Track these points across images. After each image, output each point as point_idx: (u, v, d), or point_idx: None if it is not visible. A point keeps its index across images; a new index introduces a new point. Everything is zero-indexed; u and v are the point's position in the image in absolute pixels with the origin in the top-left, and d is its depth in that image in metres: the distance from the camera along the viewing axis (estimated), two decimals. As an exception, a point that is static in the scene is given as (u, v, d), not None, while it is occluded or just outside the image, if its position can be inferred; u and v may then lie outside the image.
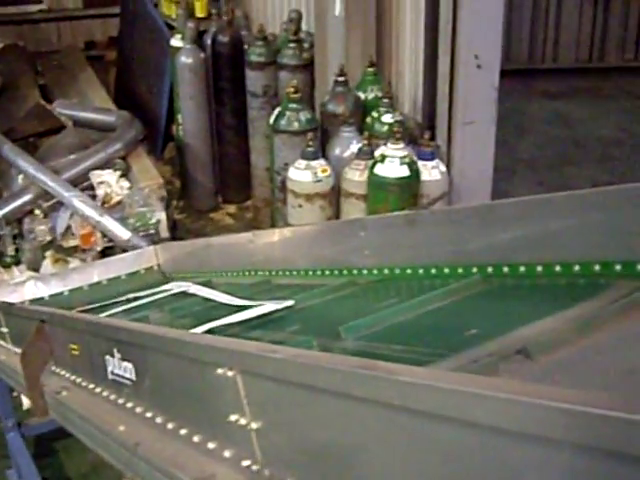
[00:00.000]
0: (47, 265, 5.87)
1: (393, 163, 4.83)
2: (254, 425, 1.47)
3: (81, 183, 6.23)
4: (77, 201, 5.86)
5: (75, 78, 8.45)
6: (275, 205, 5.85)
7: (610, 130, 8.97)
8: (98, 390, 2.38)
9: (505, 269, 2.33)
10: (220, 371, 1.53)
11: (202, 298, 3.27)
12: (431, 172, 5.03)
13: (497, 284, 2.34)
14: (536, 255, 2.23)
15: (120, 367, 2.16)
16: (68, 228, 6.03)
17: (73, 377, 2.63)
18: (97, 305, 3.68)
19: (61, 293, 4.34)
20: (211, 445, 1.66)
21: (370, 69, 5.74)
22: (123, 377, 2.15)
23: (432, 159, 5.07)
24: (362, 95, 5.73)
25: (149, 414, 2.00)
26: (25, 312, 3.23)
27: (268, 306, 2.65)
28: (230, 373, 1.50)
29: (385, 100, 5.44)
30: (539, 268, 2.23)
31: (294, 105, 5.63)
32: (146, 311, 3.28)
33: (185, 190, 7.58)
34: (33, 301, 4.28)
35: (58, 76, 8.57)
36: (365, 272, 2.92)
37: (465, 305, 2.26)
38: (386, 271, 2.83)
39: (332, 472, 1.31)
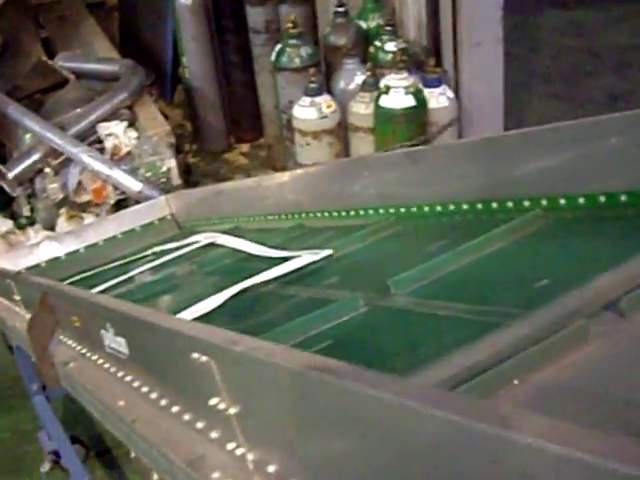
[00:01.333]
0: (62, 223, 5.84)
1: (398, 93, 4.73)
2: (232, 410, 1.43)
3: (89, 137, 6.16)
4: (85, 156, 5.80)
5: (77, 29, 8.33)
6: (284, 144, 5.76)
7: (626, 36, 8.73)
8: (100, 362, 2.36)
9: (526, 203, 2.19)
10: (195, 355, 1.49)
11: (232, 250, 3.13)
12: (438, 99, 4.93)
13: (556, 220, 2.06)
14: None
15: (114, 341, 2.14)
16: (80, 184, 5.98)
17: (79, 348, 2.61)
18: (125, 261, 3.70)
19: (77, 250, 4.33)
20: (199, 425, 1.62)
21: (370, -4, 5.60)
22: (119, 351, 2.13)
23: (438, 86, 4.96)
24: (364, 24, 5.60)
25: (145, 389, 1.97)
26: (29, 281, 3.20)
27: (306, 257, 2.49)
28: (204, 358, 1.45)
29: (387, 28, 5.32)
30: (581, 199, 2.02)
31: (294, 41, 5.51)
32: (176, 267, 3.26)
33: (197, 133, 7.50)
34: (49, 261, 4.27)
35: (60, 28, 8.45)
36: (381, 211, 2.76)
37: (526, 247, 2.00)
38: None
39: (315, 455, 1.26)
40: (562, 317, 1.38)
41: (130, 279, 3.26)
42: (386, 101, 4.77)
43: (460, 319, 1.62)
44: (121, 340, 2.08)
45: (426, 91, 4.89)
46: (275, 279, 2.41)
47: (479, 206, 2.31)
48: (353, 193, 2.90)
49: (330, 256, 2.47)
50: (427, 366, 1.38)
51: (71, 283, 3.49)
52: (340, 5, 5.48)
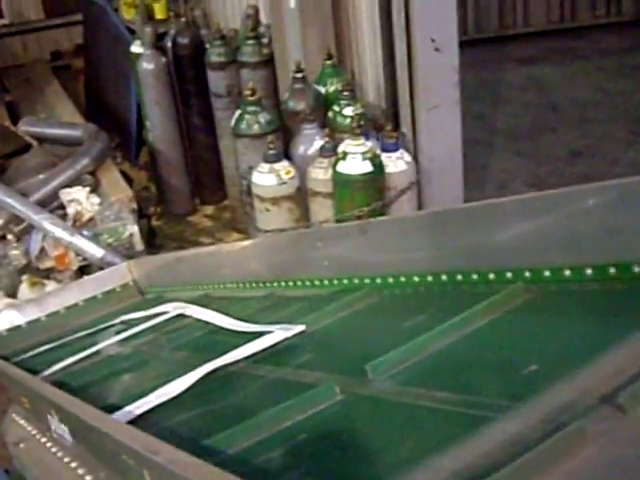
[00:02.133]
0: (24, 289, 5.81)
1: (355, 159, 4.76)
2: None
3: (52, 203, 6.17)
4: (47, 223, 5.80)
5: (42, 92, 8.39)
6: (245, 209, 5.78)
7: (586, 91, 8.87)
8: (48, 445, 2.36)
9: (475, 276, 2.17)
10: (125, 457, 1.50)
11: (202, 322, 2.98)
12: (396, 163, 4.97)
13: (539, 294, 1.94)
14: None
15: (59, 427, 2.14)
16: (42, 250, 5.97)
17: (29, 428, 2.61)
18: (91, 331, 3.55)
19: (38, 319, 4.30)
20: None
21: (328, 62, 5.65)
22: (63, 437, 2.14)
23: (396, 150, 5.00)
24: (323, 89, 5.64)
25: (88, 477, 1.98)
26: None
27: (278, 334, 2.36)
28: (134, 463, 1.46)
29: (345, 92, 5.36)
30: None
31: (253, 107, 5.54)
32: (144, 340, 3.12)
33: (161, 195, 7.52)
34: (10, 330, 4.25)
35: (25, 91, 8.51)
36: (356, 280, 2.63)
37: (511, 325, 1.87)
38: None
39: None
40: (555, 411, 1.29)
41: (97, 352, 3.13)
42: (343, 167, 4.80)
43: (444, 411, 1.52)
44: (65, 428, 2.09)
45: (384, 155, 4.93)
46: (247, 358, 2.30)
47: (458, 277, 2.20)
48: (319, 261, 2.82)
49: (303, 332, 2.35)
50: (410, 471, 1.31)
51: (34, 355, 3.42)
52: (298, 70, 5.53)
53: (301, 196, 5.18)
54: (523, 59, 9.90)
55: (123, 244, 6.01)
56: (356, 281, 2.62)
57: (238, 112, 5.67)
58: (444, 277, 2.23)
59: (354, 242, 2.63)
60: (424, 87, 5.21)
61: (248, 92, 5.55)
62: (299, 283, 2.94)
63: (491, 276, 2.08)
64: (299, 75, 5.54)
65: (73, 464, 2.11)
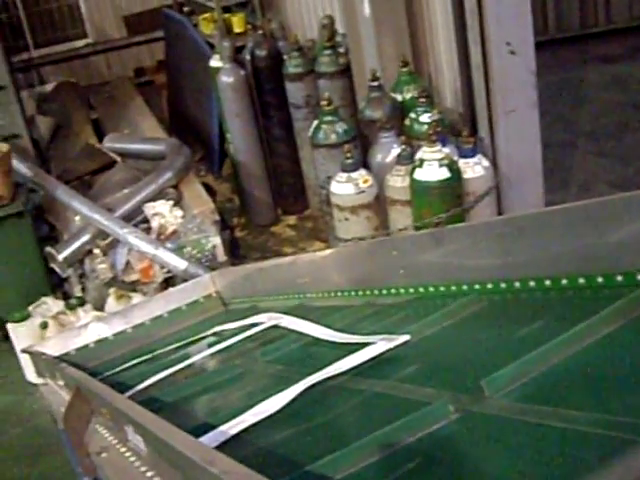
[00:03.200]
0: (111, 302, 5.94)
1: (432, 166, 4.74)
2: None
3: (136, 217, 6.30)
4: (132, 237, 5.92)
5: (126, 108, 8.56)
6: (325, 218, 5.80)
7: (672, 89, 8.70)
8: (127, 454, 2.40)
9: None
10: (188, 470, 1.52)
11: (297, 333, 2.85)
12: (474, 169, 4.93)
13: None
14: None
15: (135, 438, 2.18)
16: (128, 263, 6.10)
17: (110, 438, 2.66)
18: (180, 344, 3.54)
19: (124, 331, 4.39)
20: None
21: (404, 69, 5.65)
22: (138, 447, 2.17)
23: (473, 155, 4.96)
24: (399, 97, 5.65)
25: (159, 480, 2.01)
26: (65, 372, 3.27)
27: (380, 345, 2.20)
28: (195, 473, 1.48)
29: (422, 99, 5.34)
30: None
31: (329, 117, 5.57)
32: (238, 353, 3.00)
33: (244, 206, 7.61)
34: (98, 342, 4.34)
35: (109, 108, 8.70)
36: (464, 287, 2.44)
37: (629, 338, 1.67)
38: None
39: None
40: None
41: (189, 366, 3.06)
42: (420, 174, 4.79)
43: (578, 433, 1.32)
44: (139, 437, 2.13)
45: (461, 161, 4.90)
46: (348, 371, 2.14)
47: (563, 282, 2.02)
48: (421, 268, 2.65)
49: (407, 342, 2.19)
50: None
51: (125, 369, 3.44)
52: (374, 79, 5.54)
53: (379, 204, 5.19)
54: (606, 57, 9.74)
55: (206, 256, 6.10)
56: (454, 288, 2.47)
57: (315, 122, 5.71)
58: (547, 282, 2.08)
59: (446, 249, 2.54)
60: (501, 91, 5.17)
61: (324, 102, 5.59)
62: (402, 291, 2.77)
63: (599, 280, 1.92)
64: (375, 83, 5.56)
65: (148, 473, 2.14)
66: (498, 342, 2.00)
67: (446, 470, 1.43)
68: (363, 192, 5.10)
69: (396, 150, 5.24)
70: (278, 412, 2.02)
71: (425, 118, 5.26)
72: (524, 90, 5.21)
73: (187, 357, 3.15)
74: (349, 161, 5.14)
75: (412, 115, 5.37)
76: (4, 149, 5.95)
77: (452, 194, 4.81)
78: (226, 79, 6.95)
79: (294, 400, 2.04)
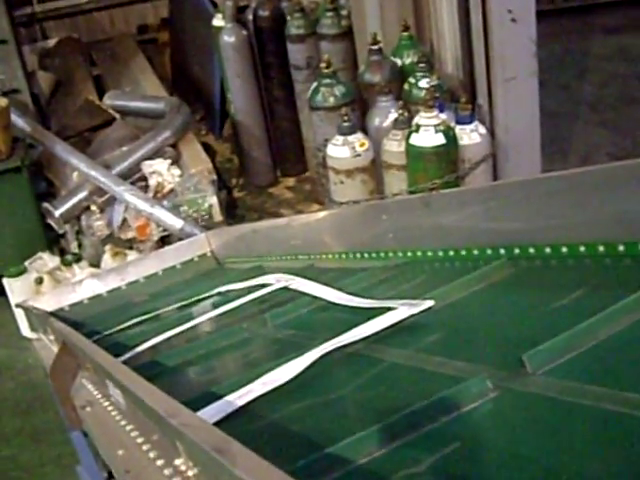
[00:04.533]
0: (107, 259, 5.96)
1: (428, 132, 4.74)
2: (191, 472, 1.47)
3: (134, 174, 6.31)
4: (128, 195, 5.93)
5: (128, 66, 8.53)
6: (321, 181, 5.81)
7: (675, 61, 8.66)
8: (109, 408, 2.43)
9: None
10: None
11: (309, 296, 2.69)
12: (470, 135, 4.93)
13: None
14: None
15: (114, 392, 2.20)
16: (124, 221, 6.11)
17: (95, 392, 2.69)
18: (188, 302, 3.43)
19: (119, 288, 4.41)
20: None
21: (405, 34, 5.63)
22: (118, 401, 2.19)
23: (470, 122, 4.96)
24: (399, 61, 5.63)
25: (140, 440, 2.02)
26: (54, 326, 3.29)
27: (402, 310, 2.03)
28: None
29: (422, 64, 5.33)
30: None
31: (328, 80, 5.57)
32: (245, 316, 2.85)
33: (243, 167, 7.60)
34: (92, 298, 4.36)
35: (112, 65, 8.67)
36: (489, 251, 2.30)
37: None
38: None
39: None
40: None
41: (192, 328, 2.92)
42: (416, 139, 4.79)
43: (632, 417, 1.19)
44: (119, 392, 2.15)
45: (458, 128, 4.90)
46: (367, 338, 1.98)
47: (600, 248, 1.90)
48: (448, 228, 2.50)
49: (431, 308, 2.02)
50: None
51: (127, 328, 3.36)
52: (374, 43, 5.53)
53: (375, 168, 5.19)
54: (609, 28, 9.67)
55: (202, 215, 6.11)
56: (477, 251, 2.34)
57: (314, 84, 5.70)
58: (582, 249, 1.95)
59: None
60: (500, 58, 5.15)
61: (323, 64, 5.58)
62: (429, 253, 2.60)
63: None
64: (375, 47, 5.55)
65: (127, 427, 2.15)
66: (535, 312, 1.84)
67: (485, 455, 1.29)
68: (359, 155, 5.10)
69: (394, 115, 5.23)
70: (290, 382, 1.86)
71: (424, 83, 5.25)
72: (524, 58, 5.19)
73: (189, 318, 3.03)
74: (346, 124, 5.14)
75: (411, 80, 5.36)
76: (3, 104, 5.94)
77: (447, 160, 4.82)
78: (228, 39, 6.92)
79: (308, 369, 1.88)
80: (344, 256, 3.13)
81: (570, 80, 8.39)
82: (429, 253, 2.58)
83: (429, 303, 2.02)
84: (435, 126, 4.75)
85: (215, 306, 3.09)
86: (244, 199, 7.36)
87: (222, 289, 3.35)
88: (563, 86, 8.19)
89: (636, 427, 1.17)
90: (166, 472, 1.74)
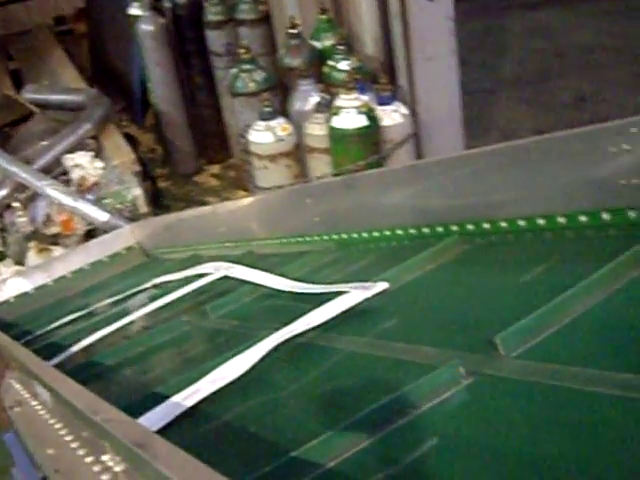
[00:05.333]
0: (32, 256, 5.87)
1: (349, 114, 4.75)
2: (118, 468, 1.46)
3: (55, 169, 6.21)
4: (50, 189, 5.84)
5: (45, 59, 8.40)
6: (245, 167, 5.79)
7: (592, 36, 8.77)
8: (37, 408, 2.39)
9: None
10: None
11: (252, 284, 2.51)
12: (392, 116, 4.96)
13: None
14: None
15: (39, 389, 2.17)
16: (48, 216, 6.02)
17: (23, 392, 2.65)
18: (123, 296, 3.27)
19: (45, 285, 4.35)
20: (104, 478, 1.65)
21: (323, 16, 5.62)
22: (44, 398, 2.16)
23: (391, 103, 4.99)
24: (318, 44, 5.62)
25: (68, 437, 2.00)
26: None
27: (355, 294, 1.88)
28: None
29: (341, 47, 5.33)
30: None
31: (247, 66, 5.55)
32: (184, 309, 2.71)
33: (167, 156, 7.55)
34: (18, 297, 4.29)
35: (29, 58, 8.53)
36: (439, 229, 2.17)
37: None
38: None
39: None
40: None
41: (130, 324, 2.75)
42: (338, 122, 4.80)
43: (626, 400, 1.09)
44: (44, 391, 2.12)
45: (379, 109, 4.92)
46: (325, 324, 1.84)
47: (560, 220, 1.81)
48: (391, 207, 2.38)
49: (385, 291, 1.89)
50: None
51: (58, 327, 3.25)
52: (293, 26, 5.51)
53: (299, 152, 5.19)
54: (527, 4, 9.78)
55: (127, 207, 6.05)
56: (427, 230, 2.20)
57: (234, 71, 5.67)
58: (541, 221, 1.85)
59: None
60: (419, 38, 5.18)
61: (242, 50, 5.55)
62: (365, 234, 2.50)
63: (605, 217, 1.70)
64: (294, 31, 5.53)
65: (56, 425, 2.13)
66: (500, 290, 1.71)
67: (467, 450, 1.16)
68: (282, 140, 5.10)
69: (315, 98, 5.24)
70: (240, 378, 1.72)
71: (344, 66, 5.25)
72: (443, 37, 5.23)
73: (125, 313, 2.87)
74: (267, 109, 5.13)
75: (331, 63, 5.36)
76: None
77: (370, 141, 4.84)
78: (146, 27, 6.85)
79: (259, 362, 1.75)
80: (281, 241, 3.07)
81: (490, 57, 8.47)
82: (375, 234, 2.47)
83: (383, 285, 1.90)
84: (356, 108, 4.76)
85: (152, 299, 2.94)
86: (169, 189, 7.31)
87: (157, 281, 3.23)
88: (483, 64, 8.26)
89: (626, 409, 1.08)
90: (96, 469, 1.72)
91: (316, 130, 5.01)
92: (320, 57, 5.56)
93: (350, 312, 1.84)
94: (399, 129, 4.98)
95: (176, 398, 1.69)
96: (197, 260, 3.40)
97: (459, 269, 1.96)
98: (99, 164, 6.16)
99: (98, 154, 6.31)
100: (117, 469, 1.47)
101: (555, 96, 7.60)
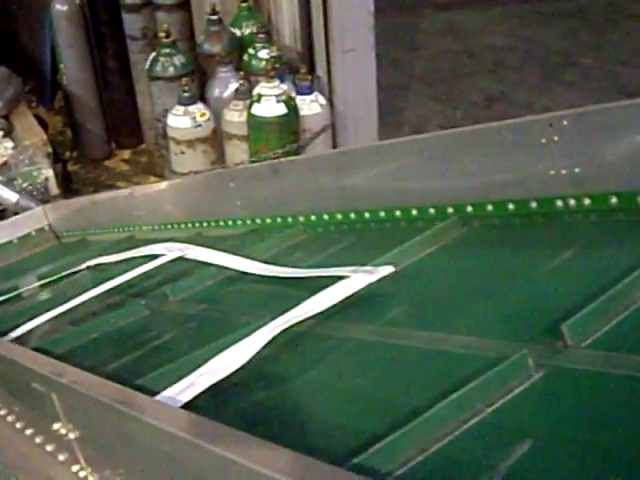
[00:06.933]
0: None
1: (269, 102, 4.79)
2: (72, 435, 1.46)
3: (-36, 147, 6.08)
4: (-42, 168, 5.73)
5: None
6: (160, 152, 5.76)
7: (502, 37, 8.94)
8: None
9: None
10: (35, 385, 1.51)
11: (216, 266, 2.30)
12: (311, 106, 5.01)
13: None
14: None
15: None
16: (-44, 195, 5.89)
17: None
18: (53, 278, 2.99)
19: None
20: (49, 447, 1.65)
21: (244, 4, 5.63)
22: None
23: (310, 93, 5.04)
24: (238, 32, 5.63)
25: (3, 411, 1.98)
26: None
27: (357, 278, 1.70)
28: (43, 389, 1.48)
29: (261, 35, 5.36)
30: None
31: (167, 50, 5.52)
32: (133, 291, 2.47)
33: (77, 139, 7.41)
34: None
35: None
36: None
37: None
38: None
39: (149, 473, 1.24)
40: None
41: (78, 308, 2.43)
42: (258, 109, 4.82)
43: None
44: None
45: (298, 98, 4.97)
46: (328, 312, 1.64)
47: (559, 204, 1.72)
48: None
49: (394, 274, 1.71)
50: None
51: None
52: (213, 13, 5.51)
53: (216, 139, 5.20)
54: (440, 4, 9.91)
55: (38, 188, 5.95)
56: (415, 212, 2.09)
57: (153, 54, 5.63)
58: (533, 205, 1.78)
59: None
60: (339, 30, 5.23)
61: (163, 34, 5.52)
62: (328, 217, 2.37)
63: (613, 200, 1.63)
64: (214, 17, 5.52)
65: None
66: (530, 274, 1.58)
67: (556, 448, 1.02)
68: (200, 126, 5.10)
69: (234, 85, 5.25)
70: (239, 370, 1.50)
71: (264, 54, 5.28)
72: (362, 31, 5.29)
73: (62, 298, 2.55)
74: (187, 94, 5.12)
75: (250, 51, 5.38)
76: None
77: (289, 130, 4.88)
78: (60, 7, 6.72)
79: (258, 352, 1.53)
80: (202, 226, 3.05)
81: (403, 54, 8.56)
82: (351, 215, 2.35)
83: (388, 269, 1.71)
84: (277, 96, 4.80)
85: (95, 282, 2.60)
86: (79, 172, 7.19)
87: (92, 263, 2.97)
88: (396, 60, 8.35)
89: None
90: (37, 440, 1.72)
91: (235, 117, 5.03)
92: (240, 45, 5.56)
93: (354, 298, 1.66)
94: (317, 119, 5.03)
95: (168, 392, 1.44)
96: (134, 242, 3.21)
97: (458, 253, 1.84)
98: (9, 144, 6.05)
99: (8, 134, 6.19)
100: (71, 436, 1.47)
101: (465, 94, 7.73)
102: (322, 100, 5.09)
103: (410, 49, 8.78)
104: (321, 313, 1.62)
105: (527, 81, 7.85)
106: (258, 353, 1.51)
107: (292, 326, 1.58)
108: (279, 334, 1.55)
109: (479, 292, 1.57)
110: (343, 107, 5.36)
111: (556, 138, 1.73)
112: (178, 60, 5.51)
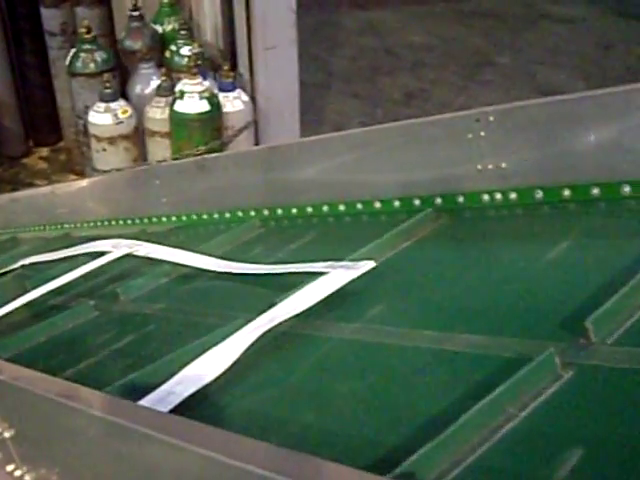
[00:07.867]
0: None
1: (192, 98, 4.78)
2: (7, 434, 1.45)
3: None
4: None
5: None
6: (81, 149, 5.71)
7: (421, 36, 9.05)
8: None
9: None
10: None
11: (170, 264, 2.18)
12: (233, 103, 5.01)
13: None
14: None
15: None
16: None
17: None
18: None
19: None
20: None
21: (165, 0, 5.60)
22: None
23: (233, 90, 5.04)
24: (160, 28, 5.61)
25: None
26: None
27: (337, 274, 1.60)
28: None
29: (183, 32, 5.34)
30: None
31: (88, 46, 5.45)
32: (78, 291, 2.29)
33: (-7, 137, 7.30)
34: None
35: None
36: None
37: None
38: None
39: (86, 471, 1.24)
40: None
41: (15, 312, 2.23)
42: (180, 106, 4.81)
43: None
44: None
45: (221, 95, 4.96)
46: (309, 310, 1.53)
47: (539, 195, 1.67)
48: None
49: (374, 269, 1.62)
50: None
51: None
52: (135, 9, 5.47)
53: (138, 136, 5.17)
54: (359, 3, 9.98)
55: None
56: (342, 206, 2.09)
57: (73, 50, 5.57)
58: (514, 195, 1.74)
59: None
60: (261, 27, 5.24)
61: (83, 30, 5.46)
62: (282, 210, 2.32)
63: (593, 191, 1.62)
64: (136, 13, 5.49)
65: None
66: (533, 268, 1.49)
67: (600, 453, 0.95)
68: (122, 123, 5.06)
69: (156, 82, 5.23)
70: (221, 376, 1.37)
71: (185, 51, 5.27)
72: (284, 28, 5.31)
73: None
74: (108, 91, 5.08)
75: (172, 47, 5.37)
76: None
77: (211, 127, 4.88)
78: (-26, 1, 6.63)
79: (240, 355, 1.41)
80: (127, 222, 3.04)
81: (323, 52, 8.60)
82: (227, 215, 2.46)
83: (369, 264, 1.61)
84: (199, 93, 4.79)
85: (34, 283, 2.39)
86: (-5, 171, 7.10)
87: (27, 261, 2.79)
88: (316, 58, 8.39)
89: None
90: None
91: (157, 114, 5.01)
92: (161, 41, 5.54)
93: (337, 294, 1.55)
94: (240, 116, 5.04)
95: (145, 403, 1.31)
96: (71, 240, 3.04)
97: (435, 246, 1.75)
98: None
99: None
100: (7, 435, 1.46)
101: (384, 92, 7.81)
102: (244, 97, 5.10)
103: (330, 47, 8.83)
104: (304, 312, 1.51)
105: (446, 79, 7.96)
106: (242, 355, 1.40)
107: (276, 326, 1.47)
108: (262, 335, 1.44)
109: (473, 287, 1.50)
110: (265, 104, 5.37)
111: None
112: (99, 56, 5.45)
